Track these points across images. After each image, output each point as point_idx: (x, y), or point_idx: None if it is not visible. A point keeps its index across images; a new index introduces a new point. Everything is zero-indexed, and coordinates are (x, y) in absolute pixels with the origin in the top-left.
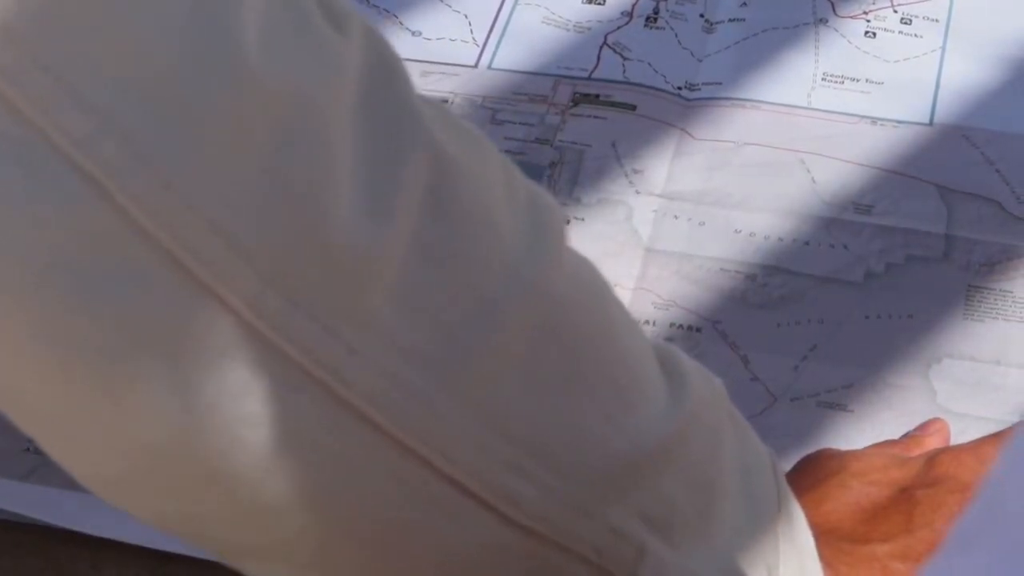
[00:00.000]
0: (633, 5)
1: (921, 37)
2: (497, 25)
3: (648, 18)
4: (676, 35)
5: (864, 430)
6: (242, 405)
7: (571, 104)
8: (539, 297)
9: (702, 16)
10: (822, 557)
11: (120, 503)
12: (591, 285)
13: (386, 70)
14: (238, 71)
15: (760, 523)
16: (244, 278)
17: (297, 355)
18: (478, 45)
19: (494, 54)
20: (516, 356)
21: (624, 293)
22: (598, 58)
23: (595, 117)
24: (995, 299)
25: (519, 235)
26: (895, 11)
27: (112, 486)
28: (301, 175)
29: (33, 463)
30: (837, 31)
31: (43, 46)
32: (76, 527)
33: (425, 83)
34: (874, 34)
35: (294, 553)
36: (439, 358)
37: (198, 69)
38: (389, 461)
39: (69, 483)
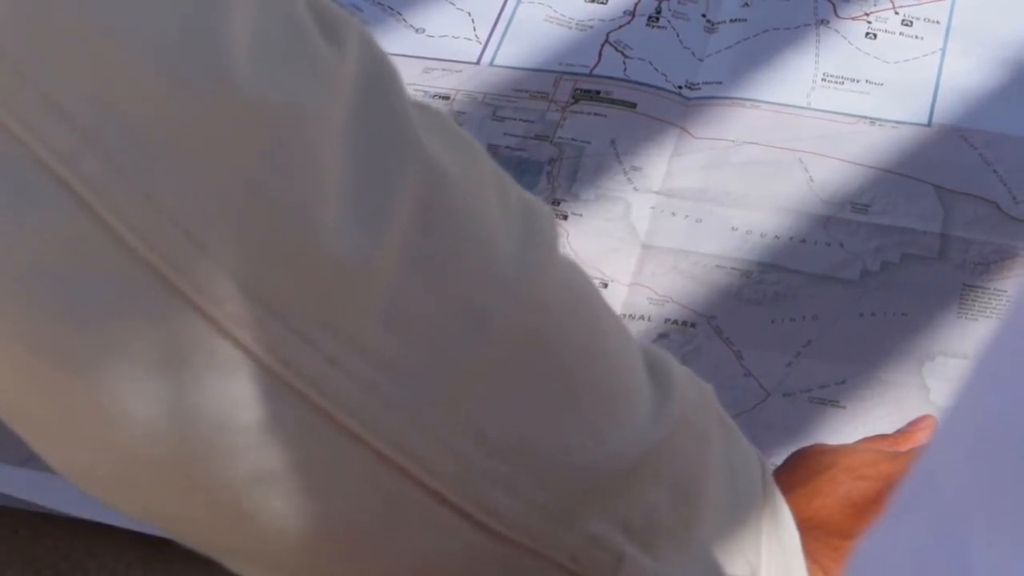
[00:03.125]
0: (635, 4)
1: (922, 39)
2: (500, 23)
3: (650, 17)
4: (678, 34)
5: (856, 426)
6: (222, 414)
7: (571, 101)
8: (528, 309)
9: (704, 16)
10: (810, 553)
11: (102, 499)
12: (582, 294)
13: (380, 83)
14: (223, 87)
15: (744, 527)
16: (221, 287)
17: (276, 365)
18: (481, 42)
19: (496, 51)
20: (502, 369)
21: (620, 289)
22: (599, 56)
23: (595, 114)
24: (989, 298)
25: (510, 246)
26: (896, 13)
27: (94, 484)
28: (285, 188)
29: (31, 450)
30: (838, 32)
31: (29, 64)
32: (73, 512)
33: (427, 80)
34: (875, 35)
35: (272, 558)
36: (423, 370)
37: (182, 86)
38: (369, 471)
39: None
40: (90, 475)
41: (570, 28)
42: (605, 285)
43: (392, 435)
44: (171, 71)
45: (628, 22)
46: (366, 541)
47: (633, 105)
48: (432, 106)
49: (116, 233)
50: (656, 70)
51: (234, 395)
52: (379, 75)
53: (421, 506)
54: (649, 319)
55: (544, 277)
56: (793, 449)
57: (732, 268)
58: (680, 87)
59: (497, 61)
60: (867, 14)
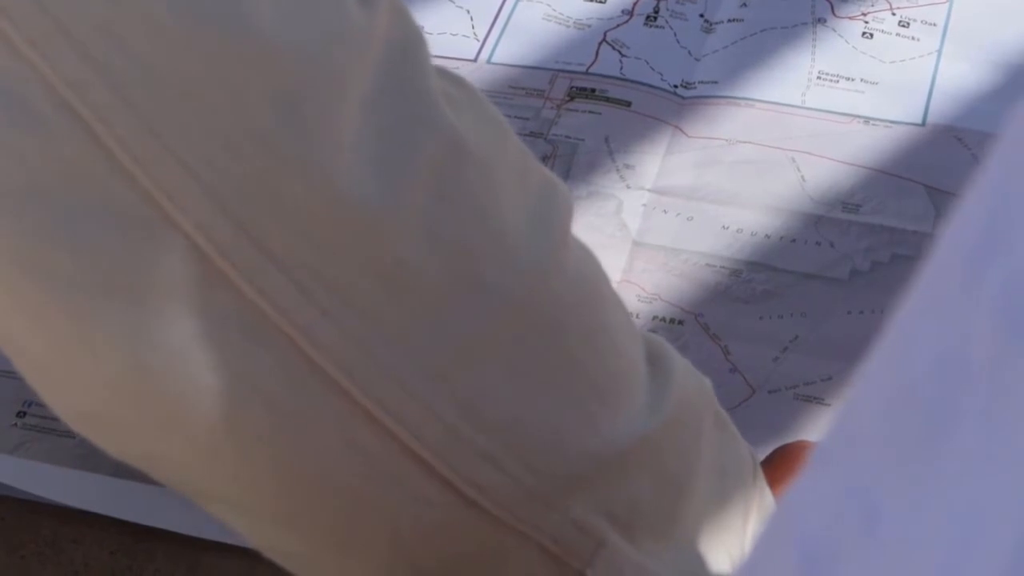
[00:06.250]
0: (634, 4)
1: (918, 40)
2: (499, 21)
3: (648, 17)
4: (675, 34)
5: None
6: (206, 352)
7: (567, 98)
8: (533, 291)
9: (702, 16)
10: None
11: (88, 435)
12: (590, 279)
13: (407, 51)
14: (238, 30)
15: (731, 521)
16: (219, 226)
17: (268, 308)
18: (479, 40)
19: (494, 49)
20: (501, 347)
21: None
22: (596, 54)
23: (590, 112)
24: None
25: (523, 226)
26: (893, 14)
27: (80, 419)
28: (294, 138)
29: (20, 438)
30: (835, 31)
31: None
32: (58, 500)
33: None
34: (871, 35)
35: (250, 506)
36: (418, 336)
37: (197, 27)
38: (352, 428)
39: (55, 459)
40: (75, 411)
41: (568, 27)
42: None
43: (381, 395)
44: (187, 11)
45: (626, 21)
46: (344, 501)
47: (628, 103)
48: (465, 81)
49: (118, 162)
50: (652, 69)
51: (221, 335)
52: (406, 43)
53: (405, 472)
54: (637, 316)
55: (554, 261)
56: (777, 445)
57: (722, 267)
58: (676, 86)
59: (495, 59)
60: (864, 14)
